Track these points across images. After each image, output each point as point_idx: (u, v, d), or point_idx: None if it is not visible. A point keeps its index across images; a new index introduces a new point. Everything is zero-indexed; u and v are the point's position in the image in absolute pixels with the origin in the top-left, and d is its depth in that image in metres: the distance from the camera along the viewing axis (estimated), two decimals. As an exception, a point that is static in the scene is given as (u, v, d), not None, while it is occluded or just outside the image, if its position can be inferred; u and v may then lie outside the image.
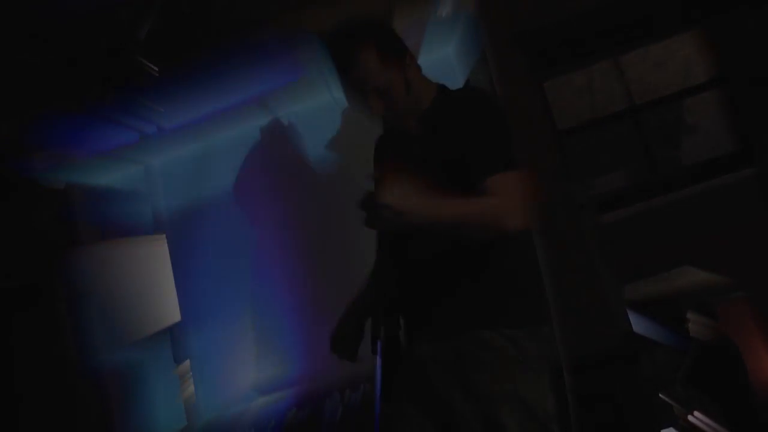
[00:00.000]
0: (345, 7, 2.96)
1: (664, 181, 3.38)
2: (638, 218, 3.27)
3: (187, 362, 4.16)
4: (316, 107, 4.08)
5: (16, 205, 3.93)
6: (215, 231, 4.25)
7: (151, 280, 4.32)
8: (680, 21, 3.41)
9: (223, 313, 4.09)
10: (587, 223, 3.09)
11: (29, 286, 3.87)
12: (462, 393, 1.44)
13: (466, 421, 1.42)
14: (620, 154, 3.52)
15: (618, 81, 3.51)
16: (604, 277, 2.98)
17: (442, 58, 3.86)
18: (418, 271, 1.53)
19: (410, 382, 1.55)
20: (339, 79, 1.56)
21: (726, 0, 3.33)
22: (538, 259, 1.68)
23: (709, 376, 2.76)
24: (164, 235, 4.35)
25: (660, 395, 2.81)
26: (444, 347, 1.48)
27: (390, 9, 2.97)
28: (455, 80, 3.61)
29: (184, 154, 4.36)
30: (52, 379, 3.78)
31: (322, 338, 1.76)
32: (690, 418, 2.69)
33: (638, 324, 2.94)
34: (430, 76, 1.65)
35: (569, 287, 2.93)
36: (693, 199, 3.26)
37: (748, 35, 3.33)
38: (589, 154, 3.52)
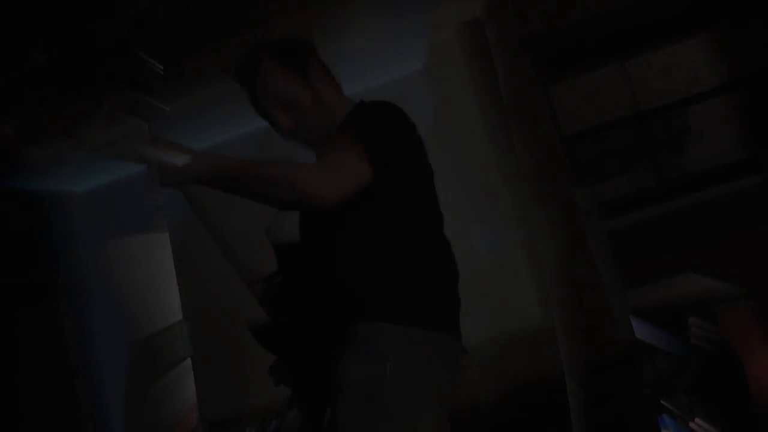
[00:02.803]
0: (349, 6, 2.96)
1: (669, 187, 3.38)
2: (643, 224, 3.27)
3: (188, 361, 4.16)
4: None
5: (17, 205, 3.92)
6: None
7: (153, 279, 4.32)
8: (686, 28, 3.41)
9: (225, 313, 4.08)
10: (592, 228, 3.09)
11: (32, 283, 3.87)
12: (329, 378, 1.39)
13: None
14: (625, 160, 3.52)
15: (624, 87, 3.51)
16: (607, 282, 2.97)
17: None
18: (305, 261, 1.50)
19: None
20: (248, 98, 1.54)
21: (732, 7, 3.33)
22: (449, 266, 1.55)
23: (711, 383, 2.75)
24: (167, 234, 4.35)
25: (662, 402, 2.81)
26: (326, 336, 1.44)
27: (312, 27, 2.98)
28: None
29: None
30: (53, 377, 3.78)
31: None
32: (692, 425, 2.69)
33: (641, 330, 2.93)
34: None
35: (573, 292, 2.93)
36: (698, 205, 3.26)
37: (754, 42, 3.33)
38: (594, 160, 3.52)
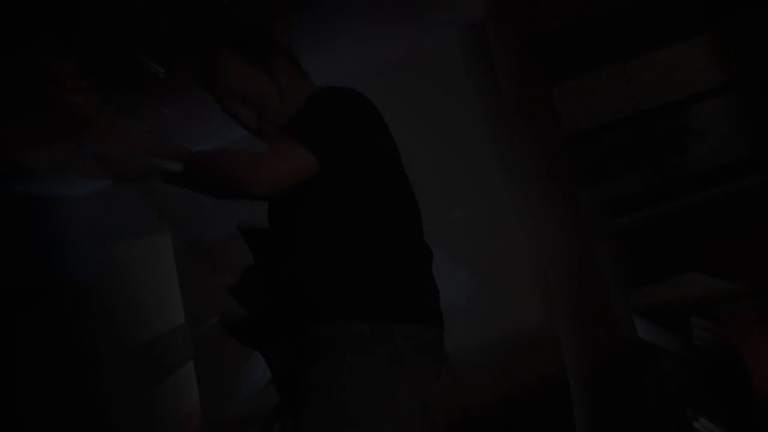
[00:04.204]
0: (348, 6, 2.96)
1: (671, 187, 3.37)
2: (646, 224, 3.27)
3: (191, 364, 4.16)
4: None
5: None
6: (220, 231, 4.23)
7: (156, 282, 4.32)
8: (688, 27, 3.41)
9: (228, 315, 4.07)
10: (595, 228, 3.08)
11: (35, 287, 3.87)
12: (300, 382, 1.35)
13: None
14: (628, 160, 3.51)
15: (626, 86, 3.50)
16: (611, 282, 2.97)
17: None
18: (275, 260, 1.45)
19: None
20: (214, 98, 1.49)
21: (735, 5, 3.32)
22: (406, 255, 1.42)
23: (715, 383, 2.74)
24: (168, 236, 4.35)
25: (666, 402, 2.80)
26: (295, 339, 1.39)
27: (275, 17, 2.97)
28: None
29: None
30: (56, 380, 3.78)
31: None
32: (695, 425, 2.68)
33: (645, 330, 2.93)
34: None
35: (576, 292, 2.92)
36: (701, 205, 3.26)
37: (757, 41, 3.33)
38: (597, 160, 3.51)
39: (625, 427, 2.76)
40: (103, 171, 1.24)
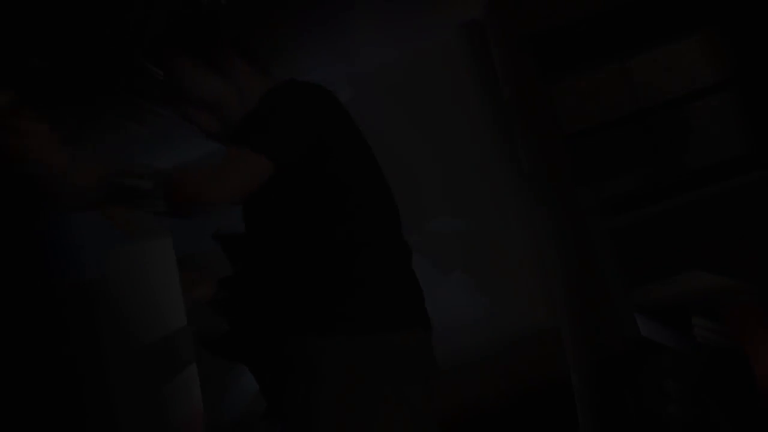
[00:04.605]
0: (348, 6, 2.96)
1: (672, 184, 3.37)
2: (646, 222, 3.26)
3: (193, 366, 4.16)
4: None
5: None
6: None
7: (157, 284, 4.32)
8: (688, 24, 3.41)
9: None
10: (594, 226, 3.08)
11: (35, 290, 3.87)
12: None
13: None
14: (627, 158, 3.50)
15: (625, 85, 3.50)
16: (611, 280, 2.96)
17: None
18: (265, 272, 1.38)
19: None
20: (169, 104, 1.43)
21: (734, 4, 3.32)
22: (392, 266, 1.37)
23: (717, 381, 2.74)
24: (170, 239, 4.35)
25: (667, 400, 2.80)
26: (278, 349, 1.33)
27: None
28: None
29: (190, 158, 4.35)
30: (57, 383, 3.79)
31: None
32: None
33: (646, 328, 2.92)
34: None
35: (577, 291, 2.92)
36: (702, 202, 3.25)
37: (757, 38, 3.32)
38: (596, 158, 3.50)
39: (627, 424, 2.76)
40: (57, 199, 1.20)
